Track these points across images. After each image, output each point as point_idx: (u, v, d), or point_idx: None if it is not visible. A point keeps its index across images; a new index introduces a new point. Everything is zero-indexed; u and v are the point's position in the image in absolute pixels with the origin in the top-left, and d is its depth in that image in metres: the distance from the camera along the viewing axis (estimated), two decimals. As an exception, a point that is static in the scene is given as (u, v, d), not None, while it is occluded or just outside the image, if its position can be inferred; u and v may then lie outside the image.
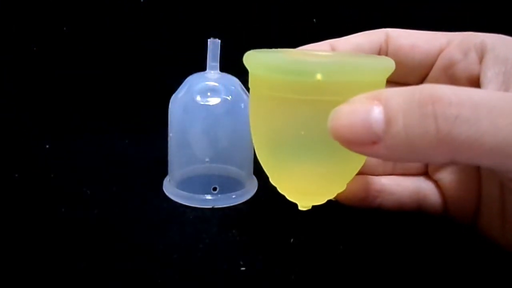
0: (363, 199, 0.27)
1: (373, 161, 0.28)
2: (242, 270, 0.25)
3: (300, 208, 0.25)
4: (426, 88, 0.17)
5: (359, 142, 0.18)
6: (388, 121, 0.17)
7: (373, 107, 0.17)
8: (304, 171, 0.23)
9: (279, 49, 0.25)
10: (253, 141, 0.25)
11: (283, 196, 0.27)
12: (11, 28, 0.48)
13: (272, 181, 0.25)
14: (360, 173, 0.25)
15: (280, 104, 0.21)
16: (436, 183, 0.28)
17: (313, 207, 0.26)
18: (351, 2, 0.49)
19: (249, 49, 0.25)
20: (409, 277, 0.25)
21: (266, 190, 0.36)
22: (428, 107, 0.16)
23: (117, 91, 0.53)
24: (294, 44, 0.28)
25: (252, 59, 0.23)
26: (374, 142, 0.17)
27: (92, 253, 0.27)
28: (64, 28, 0.47)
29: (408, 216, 0.30)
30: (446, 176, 0.27)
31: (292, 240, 0.28)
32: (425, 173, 0.29)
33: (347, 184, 0.25)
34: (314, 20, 0.49)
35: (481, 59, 0.24)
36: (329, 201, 0.26)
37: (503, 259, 0.25)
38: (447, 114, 0.16)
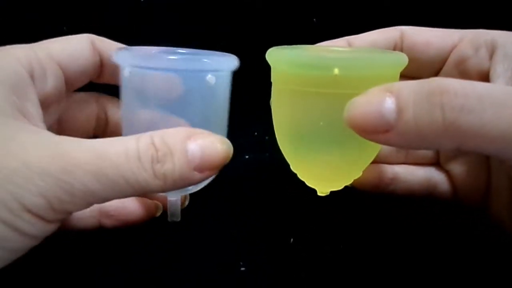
0: (377, 185, 0.29)
1: (387, 150, 0.29)
2: (242, 270, 0.25)
3: (319, 193, 0.26)
4: (434, 81, 0.18)
5: (373, 130, 0.19)
6: (400, 110, 0.18)
7: (386, 98, 0.18)
8: (322, 159, 0.24)
9: (299, 45, 0.26)
10: (275, 132, 0.26)
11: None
12: (11, 28, 0.48)
13: (292, 168, 0.26)
14: (375, 161, 0.27)
15: (300, 97, 0.23)
16: (447, 172, 0.29)
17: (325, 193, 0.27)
18: (351, 2, 0.49)
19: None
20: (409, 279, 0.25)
21: (267, 190, 0.36)
22: (436, 97, 0.18)
23: (117, 91, 0.53)
24: (294, 44, 0.28)
25: (274, 55, 0.24)
26: (386, 130, 0.19)
27: (90, 251, 0.27)
28: (64, 28, 0.47)
29: (418, 207, 0.30)
30: (457, 167, 0.28)
31: (292, 240, 0.28)
32: (437, 163, 0.30)
33: (363, 171, 0.26)
34: (314, 20, 0.49)
35: (491, 55, 0.25)
36: (344, 189, 0.27)
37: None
38: (453, 104, 0.17)
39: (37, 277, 0.25)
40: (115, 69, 0.28)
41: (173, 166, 0.20)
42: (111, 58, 0.25)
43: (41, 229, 0.19)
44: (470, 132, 0.17)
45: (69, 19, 0.47)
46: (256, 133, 0.45)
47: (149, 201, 0.28)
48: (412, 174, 0.29)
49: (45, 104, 0.24)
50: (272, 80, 0.25)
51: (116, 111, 0.30)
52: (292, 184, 0.34)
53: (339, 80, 0.21)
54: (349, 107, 0.19)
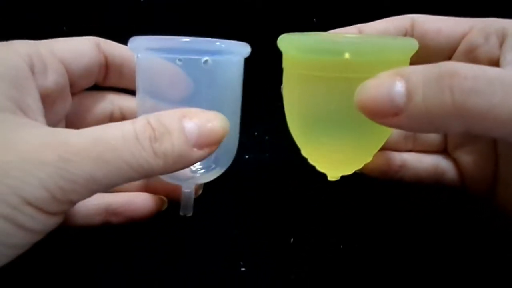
0: (386, 172, 0.29)
1: (396, 137, 0.30)
2: (242, 270, 0.25)
3: (329, 178, 0.27)
4: (444, 64, 0.18)
5: (383, 113, 0.19)
6: (409, 93, 0.18)
7: (396, 82, 0.19)
8: (333, 143, 0.25)
9: (310, 32, 0.26)
10: (286, 117, 0.26)
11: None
12: (11, 28, 0.48)
13: (303, 153, 0.27)
14: (384, 148, 0.27)
15: (311, 82, 0.23)
16: (455, 160, 0.29)
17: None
18: (351, 2, 0.49)
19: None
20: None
21: (267, 190, 0.36)
22: (446, 80, 0.18)
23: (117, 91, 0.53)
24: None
25: (285, 40, 0.25)
26: (396, 114, 0.19)
27: (91, 250, 0.27)
28: (64, 28, 0.47)
29: (420, 207, 0.29)
30: (464, 155, 0.28)
31: (292, 240, 0.28)
32: (444, 150, 0.30)
33: (373, 157, 0.27)
34: (314, 20, 0.49)
35: (501, 43, 0.25)
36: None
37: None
38: (462, 86, 0.18)
39: (42, 273, 0.25)
40: (120, 72, 0.28)
41: (172, 144, 0.20)
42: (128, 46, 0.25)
43: (44, 222, 0.19)
44: (479, 115, 0.17)
45: (69, 19, 0.47)
46: (256, 133, 0.45)
47: (155, 196, 0.28)
48: (420, 161, 0.29)
49: (48, 100, 0.24)
50: (283, 66, 0.25)
51: (134, 109, 0.29)
52: (292, 184, 0.34)
53: (350, 64, 0.22)
54: (360, 90, 0.20)
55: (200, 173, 0.25)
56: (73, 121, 0.27)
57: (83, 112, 0.28)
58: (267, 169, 0.39)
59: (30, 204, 0.18)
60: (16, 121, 0.20)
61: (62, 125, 0.27)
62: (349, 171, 0.26)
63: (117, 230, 0.29)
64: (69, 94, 0.26)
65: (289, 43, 0.24)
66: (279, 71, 0.26)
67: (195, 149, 0.20)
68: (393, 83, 0.19)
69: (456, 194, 0.29)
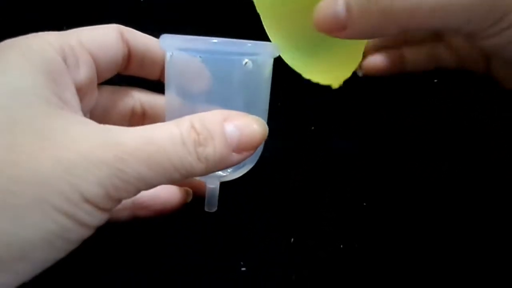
0: (389, 68, 0.31)
1: (390, 36, 0.31)
2: (242, 270, 0.25)
3: (333, 87, 0.28)
4: None
5: (334, 30, 0.22)
6: (348, 10, 0.21)
7: (338, 1, 0.21)
8: (321, 56, 0.27)
9: None
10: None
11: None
12: (11, 28, 0.48)
13: (304, 76, 0.28)
14: (382, 48, 0.30)
15: (281, 8, 0.25)
16: (449, 44, 0.31)
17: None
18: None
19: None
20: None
21: (267, 190, 0.36)
22: None
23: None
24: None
25: None
26: (343, 28, 0.22)
27: (93, 250, 0.27)
28: (64, 28, 0.47)
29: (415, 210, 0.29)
30: (456, 38, 0.30)
31: (292, 240, 0.28)
32: (438, 37, 0.32)
33: (373, 60, 0.29)
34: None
35: None
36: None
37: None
38: None
39: (69, 268, 0.25)
40: (142, 62, 0.28)
41: (214, 149, 0.20)
42: (159, 44, 0.25)
43: (98, 218, 0.19)
44: (406, 12, 0.20)
45: (69, 19, 0.47)
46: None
47: (180, 188, 0.28)
48: (417, 51, 0.31)
49: (80, 93, 0.24)
50: (255, 4, 0.26)
51: (153, 104, 0.29)
52: (292, 184, 0.34)
53: None
54: (315, 12, 0.22)
55: (228, 172, 0.26)
56: (97, 115, 0.27)
57: (107, 106, 0.28)
58: (267, 169, 0.39)
59: (88, 201, 0.18)
60: (63, 116, 0.20)
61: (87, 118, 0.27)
62: (347, 74, 0.27)
63: (115, 226, 0.29)
64: (96, 87, 0.26)
65: None
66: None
67: (234, 154, 0.21)
68: (336, 3, 0.21)
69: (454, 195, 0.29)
